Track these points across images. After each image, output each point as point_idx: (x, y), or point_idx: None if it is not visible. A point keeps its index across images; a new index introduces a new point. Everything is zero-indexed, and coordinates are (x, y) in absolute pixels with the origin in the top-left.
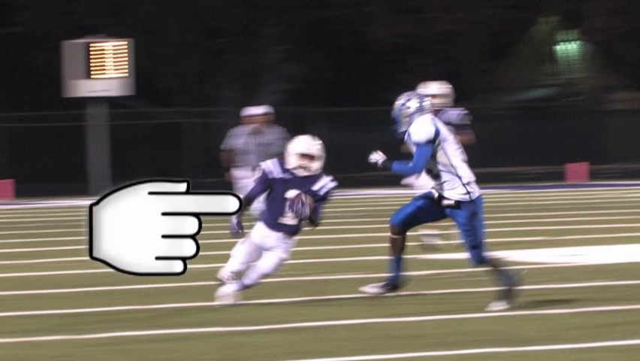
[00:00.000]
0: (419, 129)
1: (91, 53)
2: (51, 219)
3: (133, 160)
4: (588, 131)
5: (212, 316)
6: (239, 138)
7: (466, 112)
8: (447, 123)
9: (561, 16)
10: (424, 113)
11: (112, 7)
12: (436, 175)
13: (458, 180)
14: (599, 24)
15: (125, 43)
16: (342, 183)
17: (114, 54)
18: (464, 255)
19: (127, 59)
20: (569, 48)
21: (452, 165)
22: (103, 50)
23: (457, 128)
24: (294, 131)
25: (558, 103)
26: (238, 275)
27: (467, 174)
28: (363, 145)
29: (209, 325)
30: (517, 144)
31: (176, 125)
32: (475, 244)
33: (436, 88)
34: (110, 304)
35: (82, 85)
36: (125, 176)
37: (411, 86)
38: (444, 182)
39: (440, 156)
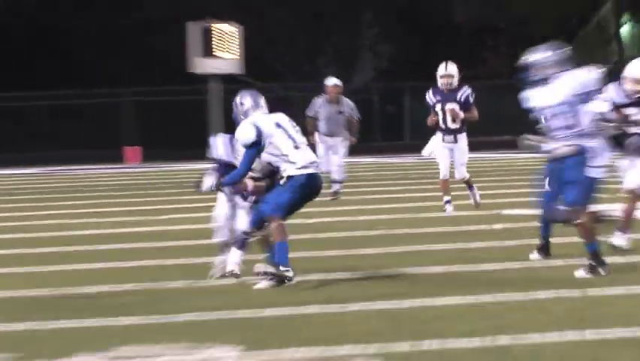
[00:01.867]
0: (242, 133)
1: (212, 33)
2: (175, 180)
3: None
4: None
5: None
6: (318, 106)
7: (470, 91)
8: (454, 101)
9: None
10: (258, 110)
11: None
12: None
13: (291, 166)
14: None
15: (238, 27)
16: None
17: (229, 36)
18: None
19: (238, 41)
20: (633, 29)
21: (283, 155)
22: (221, 31)
23: (464, 105)
24: (383, 102)
25: None
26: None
27: (301, 158)
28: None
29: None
30: None
31: (286, 98)
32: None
33: (442, 69)
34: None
35: (202, 62)
36: None
37: (491, 63)
38: (282, 170)
39: (272, 149)
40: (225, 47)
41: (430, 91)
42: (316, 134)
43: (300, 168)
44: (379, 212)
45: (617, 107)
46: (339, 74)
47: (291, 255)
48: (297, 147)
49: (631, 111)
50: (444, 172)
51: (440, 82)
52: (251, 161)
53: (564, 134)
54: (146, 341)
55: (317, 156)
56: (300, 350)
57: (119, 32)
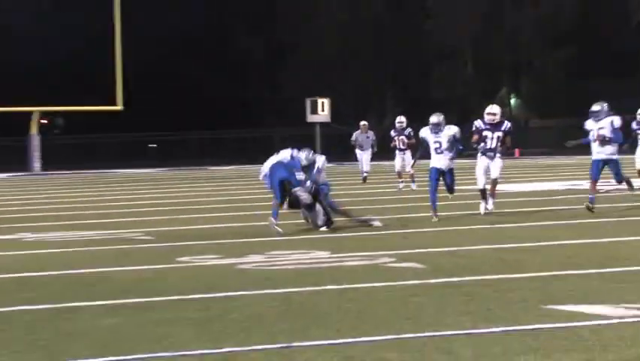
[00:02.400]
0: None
1: (316, 103)
2: None
3: None
4: None
5: None
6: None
7: (510, 123)
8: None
9: None
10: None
11: None
12: None
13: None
14: None
15: (327, 100)
16: None
17: (324, 104)
18: None
19: (328, 106)
20: None
21: None
22: (321, 102)
23: (506, 133)
24: None
25: None
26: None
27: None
28: None
29: None
30: None
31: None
32: None
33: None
34: None
35: (311, 117)
36: None
37: None
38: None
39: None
40: (322, 109)
41: None
42: None
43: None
44: None
45: None
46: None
47: None
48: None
49: None
50: None
51: None
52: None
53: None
54: None
55: None
56: None
57: None
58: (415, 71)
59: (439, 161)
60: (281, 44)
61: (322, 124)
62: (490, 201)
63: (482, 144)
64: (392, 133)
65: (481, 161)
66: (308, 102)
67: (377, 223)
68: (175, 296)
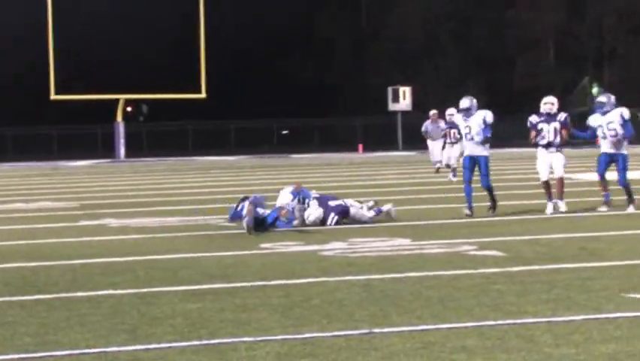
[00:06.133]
0: None
1: (398, 91)
2: None
3: None
4: None
5: None
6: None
7: (567, 114)
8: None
9: None
10: None
11: None
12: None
13: None
14: None
15: (409, 87)
16: None
17: (405, 92)
18: None
19: (410, 94)
20: None
21: None
22: (402, 90)
23: (562, 125)
24: None
25: None
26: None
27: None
28: None
29: None
30: None
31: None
32: None
33: (545, 99)
34: None
35: (393, 105)
36: None
37: None
38: None
39: None
40: (404, 97)
41: None
42: None
43: None
44: None
45: None
46: None
47: None
48: None
49: None
50: None
51: None
52: None
53: None
54: None
55: None
56: None
57: None
58: (497, 61)
59: (473, 149)
60: (364, 32)
61: (404, 112)
62: (561, 203)
63: (539, 138)
64: (442, 125)
65: (542, 155)
66: (390, 91)
67: (390, 208)
68: (257, 282)
